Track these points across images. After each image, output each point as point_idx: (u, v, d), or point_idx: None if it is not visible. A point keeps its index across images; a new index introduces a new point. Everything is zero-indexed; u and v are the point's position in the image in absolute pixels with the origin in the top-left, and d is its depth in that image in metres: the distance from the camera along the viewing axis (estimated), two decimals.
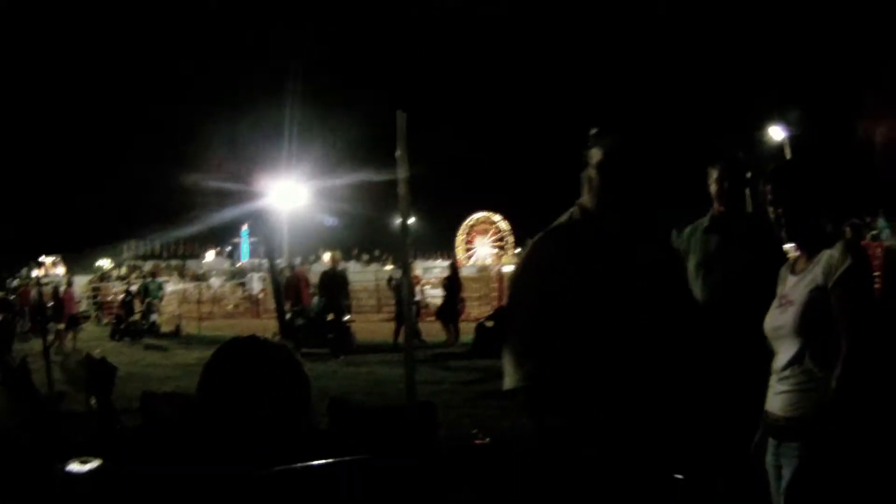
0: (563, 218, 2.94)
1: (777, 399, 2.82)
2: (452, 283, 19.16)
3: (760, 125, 33.71)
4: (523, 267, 2.90)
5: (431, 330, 19.56)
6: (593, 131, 2.89)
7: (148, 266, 57.27)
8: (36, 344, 12.18)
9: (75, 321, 23.43)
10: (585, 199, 2.89)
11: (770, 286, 3.08)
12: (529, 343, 2.75)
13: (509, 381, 2.76)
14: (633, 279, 2.70)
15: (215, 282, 42.98)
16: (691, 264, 4.59)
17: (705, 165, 4.71)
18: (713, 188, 4.61)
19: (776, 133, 33.04)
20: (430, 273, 34.82)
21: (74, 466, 2.08)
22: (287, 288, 18.70)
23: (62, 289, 23.91)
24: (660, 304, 2.71)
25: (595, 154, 2.85)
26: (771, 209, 3.18)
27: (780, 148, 31.23)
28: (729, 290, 4.31)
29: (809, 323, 2.76)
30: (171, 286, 33.97)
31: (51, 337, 21.11)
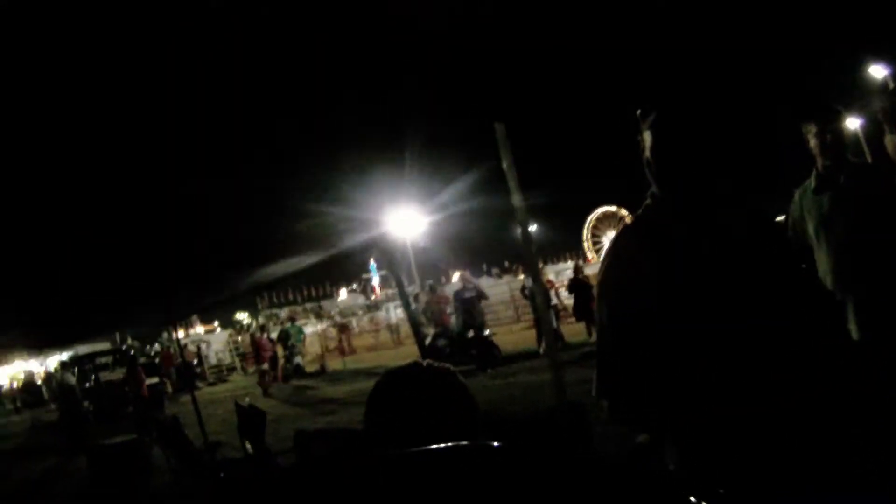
0: (639, 211, 2.67)
1: None
2: (579, 284, 19.02)
3: (857, 65, 32.30)
4: (602, 269, 2.64)
5: (573, 331, 19.47)
6: (639, 112, 2.62)
7: (284, 312, 58.95)
8: (187, 402, 12.74)
9: (274, 362, 25.17)
10: (654, 187, 2.61)
11: None
12: (610, 352, 2.55)
13: (594, 388, 2.56)
14: (722, 266, 2.43)
15: (354, 321, 43.83)
16: (810, 228, 4.42)
17: (792, 123, 4.51)
18: (813, 143, 4.39)
19: (877, 71, 31.62)
20: (563, 276, 34.61)
21: None
22: (428, 311, 19.02)
23: (257, 335, 26.05)
24: (760, 288, 2.42)
25: (646, 137, 2.57)
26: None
27: (884, 86, 29.75)
28: (856, 248, 4.13)
29: None
30: (311, 328, 34.86)
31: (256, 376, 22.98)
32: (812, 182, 4.47)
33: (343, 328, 34.27)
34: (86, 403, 21.76)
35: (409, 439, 2.08)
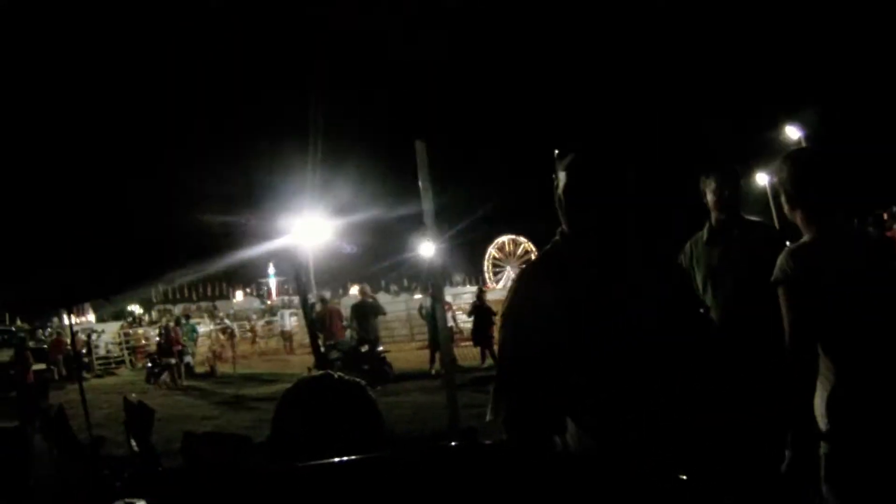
0: (548, 246, 2.76)
1: None
2: (480, 309, 19.10)
3: (774, 125, 33.63)
4: (508, 299, 2.73)
5: (467, 355, 19.56)
6: (556, 153, 2.70)
7: (178, 309, 57.58)
8: (73, 391, 12.34)
9: (181, 355, 24.48)
10: (564, 225, 2.69)
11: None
12: (508, 378, 2.64)
13: (489, 413, 2.65)
14: (623, 301, 2.52)
15: (247, 324, 43.04)
16: (697, 279, 4.52)
17: (696, 173, 4.65)
18: (710, 198, 4.54)
19: (792, 132, 32.93)
20: (460, 299, 34.77)
21: None
22: (320, 322, 18.75)
23: (171, 326, 25.26)
24: (658, 323, 2.52)
25: (561, 177, 2.64)
26: (786, 202, 3.13)
27: (797, 146, 31.13)
28: (740, 300, 4.23)
29: None
30: (203, 328, 34.00)
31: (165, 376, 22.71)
32: (704, 234, 4.61)
33: (230, 334, 33.50)
34: None
35: (316, 449, 2.05)
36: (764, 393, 2.87)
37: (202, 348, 29.72)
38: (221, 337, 32.95)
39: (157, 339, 27.62)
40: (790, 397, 2.88)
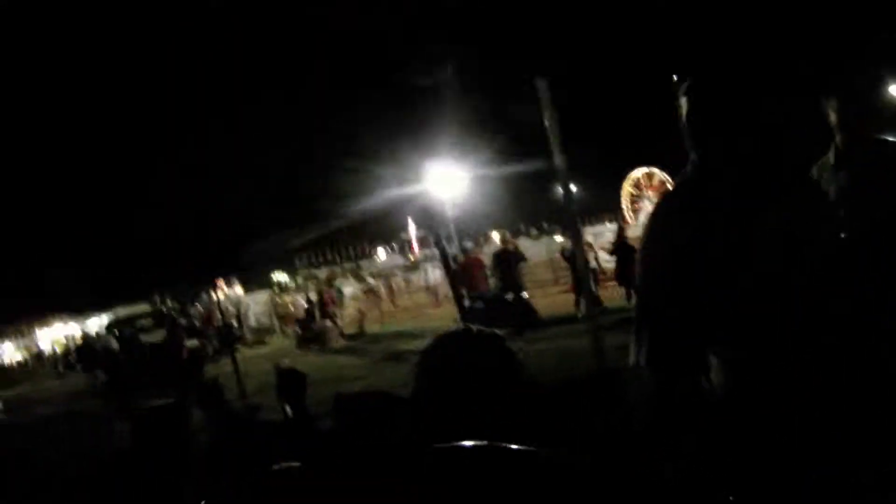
0: (679, 178, 2.69)
1: None
2: (622, 247, 18.74)
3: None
4: (646, 233, 2.66)
5: (613, 295, 19.30)
6: (675, 79, 2.67)
7: (323, 273, 59.38)
8: (227, 364, 12.93)
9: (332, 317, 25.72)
10: (693, 154, 2.60)
11: None
12: (646, 317, 2.56)
13: (631, 354, 2.57)
14: (760, 228, 2.39)
15: (392, 281, 43.94)
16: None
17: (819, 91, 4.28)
18: (834, 118, 4.11)
19: None
20: (602, 238, 34.34)
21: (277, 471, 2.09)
22: (462, 273, 18.88)
23: (325, 290, 26.92)
24: (798, 250, 2.38)
25: (683, 104, 2.56)
26: None
27: None
28: (874, 228, 3.91)
29: None
30: (349, 289, 34.93)
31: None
32: (831, 157, 4.25)
33: (375, 293, 34.23)
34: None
35: (457, 404, 2.05)
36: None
37: (349, 309, 30.56)
38: (366, 296, 33.87)
39: (305, 305, 28.59)
40: None
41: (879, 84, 4.23)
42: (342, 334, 25.26)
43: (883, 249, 3.56)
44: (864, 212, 3.97)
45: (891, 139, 4.40)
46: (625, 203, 70.90)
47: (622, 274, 18.58)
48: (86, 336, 44.04)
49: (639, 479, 1.84)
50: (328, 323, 24.36)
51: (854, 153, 4.10)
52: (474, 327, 2.35)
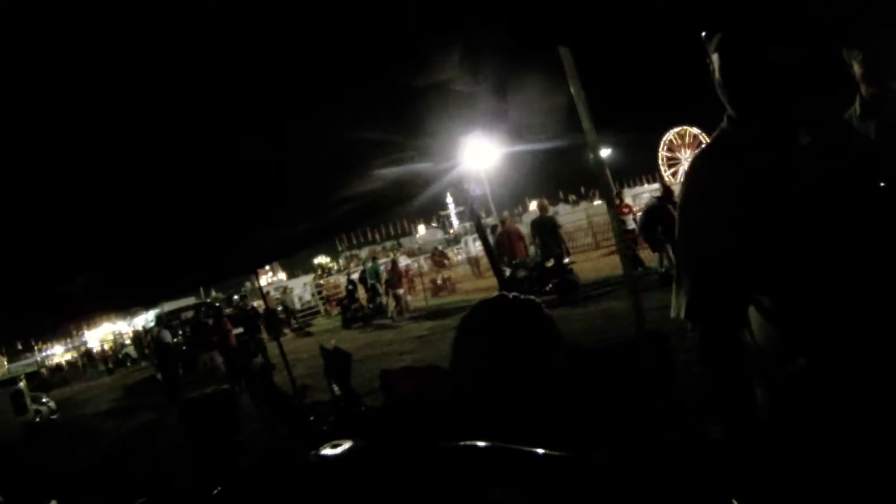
0: (715, 132, 2.66)
1: None
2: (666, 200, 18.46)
3: None
4: (681, 192, 2.65)
5: (654, 256, 19.20)
6: (703, 34, 2.59)
7: (365, 252, 59.53)
8: (275, 348, 13.08)
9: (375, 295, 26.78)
10: (729, 109, 2.58)
11: None
12: (686, 272, 2.56)
13: (672, 310, 2.58)
14: (800, 179, 2.39)
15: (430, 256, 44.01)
16: None
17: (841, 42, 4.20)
18: (858, 70, 4.07)
19: None
20: (640, 199, 34.05)
21: (327, 451, 2.12)
22: (499, 244, 18.86)
23: (397, 261, 27.45)
24: (840, 200, 2.37)
25: (714, 59, 2.54)
26: None
27: None
28: None
29: None
30: (405, 261, 35.16)
31: (392, 303, 24.60)
32: (857, 108, 4.20)
33: (417, 268, 34.36)
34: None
35: (496, 371, 2.08)
36: None
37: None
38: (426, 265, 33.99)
39: (348, 286, 28.76)
40: None
41: None
42: (407, 308, 25.35)
43: None
44: (894, 162, 3.93)
45: None
46: (662, 163, 70.13)
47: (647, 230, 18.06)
48: (137, 332, 44.85)
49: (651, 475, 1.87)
50: (400, 291, 24.78)
51: (881, 104, 4.08)
52: (510, 294, 2.37)
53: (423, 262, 39.72)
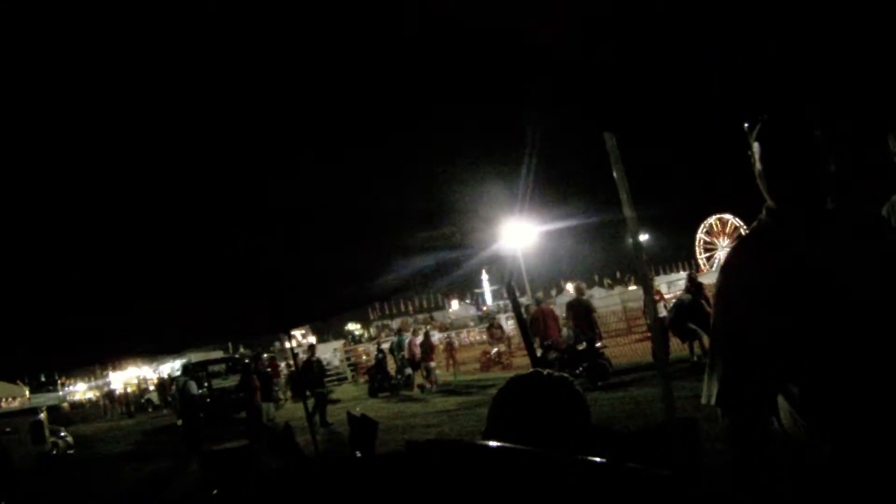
0: (754, 223, 2.68)
1: None
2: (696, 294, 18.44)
3: None
4: (718, 279, 2.66)
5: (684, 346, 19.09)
6: (746, 125, 2.61)
7: (396, 323, 59.57)
8: (298, 409, 13.10)
9: (404, 368, 26.66)
10: (768, 199, 2.59)
11: None
12: (719, 359, 2.55)
13: (703, 397, 2.59)
14: (837, 269, 2.41)
15: (465, 332, 43.93)
16: None
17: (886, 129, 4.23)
18: None
19: None
20: (675, 287, 33.92)
21: None
22: (533, 324, 18.83)
23: (421, 339, 26.78)
24: (876, 291, 2.38)
25: (755, 149, 2.56)
26: None
27: None
28: None
29: None
30: (421, 338, 35.16)
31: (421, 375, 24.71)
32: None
33: (448, 343, 34.29)
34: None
35: (526, 443, 2.13)
36: None
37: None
38: (440, 345, 33.91)
39: (378, 354, 28.70)
40: None
41: None
42: (436, 381, 25.25)
43: None
44: None
45: None
46: (698, 250, 69.95)
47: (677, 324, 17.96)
48: (161, 379, 45.09)
49: None
50: (432, 364, 24.89)
51: None
52: (545, 371, 2.42)
53: (454, 337, 39.65)
